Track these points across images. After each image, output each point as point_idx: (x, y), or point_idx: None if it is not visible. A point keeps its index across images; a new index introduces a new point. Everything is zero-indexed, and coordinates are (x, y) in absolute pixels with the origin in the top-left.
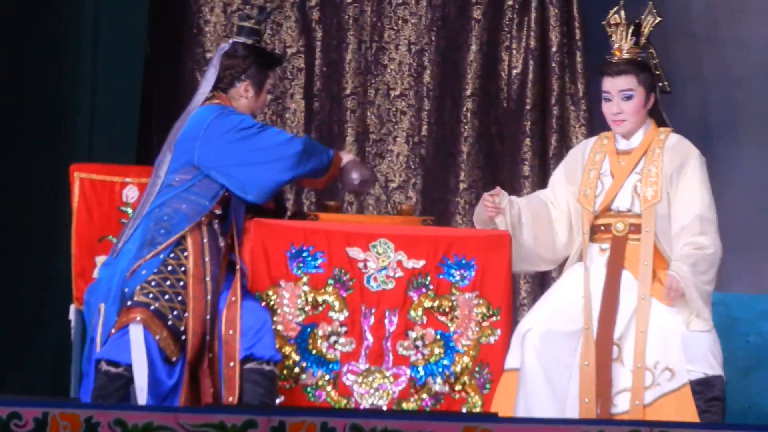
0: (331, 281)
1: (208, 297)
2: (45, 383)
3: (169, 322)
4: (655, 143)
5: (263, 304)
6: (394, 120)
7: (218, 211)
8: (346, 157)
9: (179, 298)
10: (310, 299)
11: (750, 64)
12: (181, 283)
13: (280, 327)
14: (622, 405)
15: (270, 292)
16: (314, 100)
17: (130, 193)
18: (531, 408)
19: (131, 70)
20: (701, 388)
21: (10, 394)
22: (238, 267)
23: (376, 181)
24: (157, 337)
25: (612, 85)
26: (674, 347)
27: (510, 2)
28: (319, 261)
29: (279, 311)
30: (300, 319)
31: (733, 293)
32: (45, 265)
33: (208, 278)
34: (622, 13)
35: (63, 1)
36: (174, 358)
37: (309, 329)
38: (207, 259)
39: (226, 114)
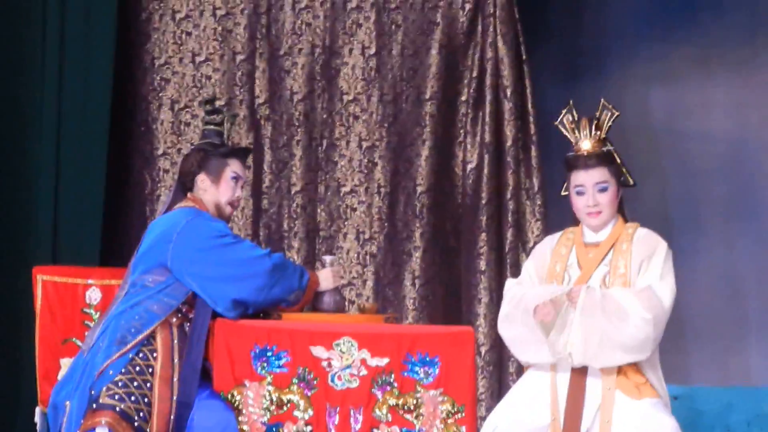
0: (295, 380)
1: (174, 397)
2: None
3: (136, 423)
4: (624, 237)
5: (228, 404)
6: (344, 216)
7: (191, 314)
8: (325, 281)
9: (146, 399)
10: (275, 399)
11: (709, 157)
12: (148, 384)
13: (245, 427)
14: None
15: (235, 392)
16: (263, 197)
17: (93, 295)
18: None
19: (94, 169)
20: None
21: None
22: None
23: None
24: None
25: (586, 178)
26: None
27: (464, 97)
28: (283, 360)
29: (244, 411)
30: (265, 418)
31: (698, 386)
32: (9, 368)
33: (175, 378)
34: (574, 111)
35: (23, 96)
36: None
37: (274, 429)
38: (176, 360)
39: (201, 219)
